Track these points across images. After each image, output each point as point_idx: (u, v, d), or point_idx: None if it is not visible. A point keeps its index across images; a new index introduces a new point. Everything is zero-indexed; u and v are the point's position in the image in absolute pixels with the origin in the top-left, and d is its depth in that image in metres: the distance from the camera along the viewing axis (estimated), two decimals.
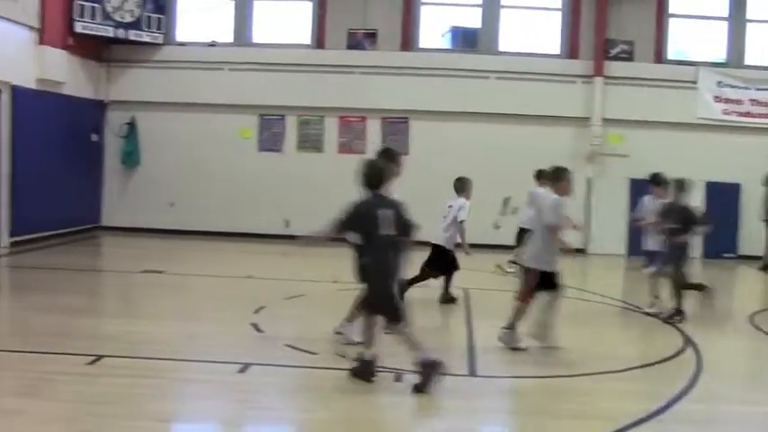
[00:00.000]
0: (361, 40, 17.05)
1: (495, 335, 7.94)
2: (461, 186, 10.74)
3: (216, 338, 8.04)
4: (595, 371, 7.20)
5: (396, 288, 6.48)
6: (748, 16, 17.12)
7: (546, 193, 8.36)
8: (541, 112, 16.67)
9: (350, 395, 6.20)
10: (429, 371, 6.21)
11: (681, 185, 9.96)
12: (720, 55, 17.31)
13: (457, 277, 10.53)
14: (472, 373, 7.14)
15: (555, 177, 8.17)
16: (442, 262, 10.36)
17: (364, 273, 6.53)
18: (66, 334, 7.84)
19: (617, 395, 6.65)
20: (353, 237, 6.62)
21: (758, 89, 16.76)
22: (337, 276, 10.42)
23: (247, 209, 16.91)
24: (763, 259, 15.39)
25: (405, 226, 6.60)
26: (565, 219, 8.13)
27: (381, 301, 6.47)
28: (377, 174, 6.64)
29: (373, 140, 16.95)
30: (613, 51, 16.94)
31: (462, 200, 10.53)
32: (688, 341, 8.49)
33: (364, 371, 6.48)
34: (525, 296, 7.93)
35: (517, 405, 6.58)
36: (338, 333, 7.84)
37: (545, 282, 7.89)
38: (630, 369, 7.40)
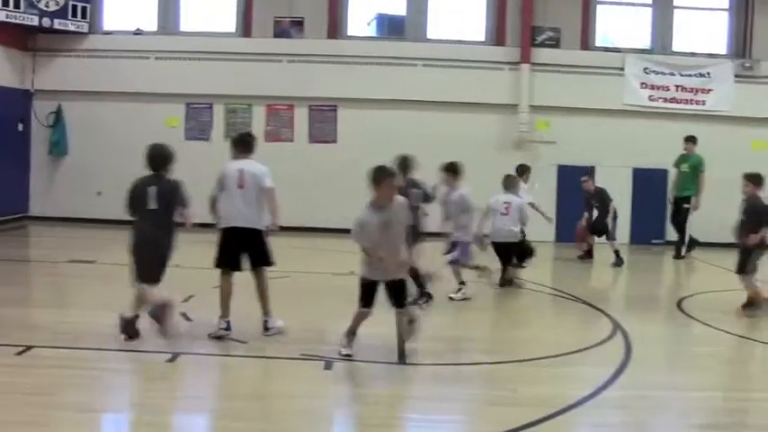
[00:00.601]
0: (288, 27, 17.02)
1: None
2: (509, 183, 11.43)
3: (145, 328, 8.01)
4: (526, 357, 7.35)
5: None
6: (674, 3, 17.25)
7: None
8: (469, 99, 16.72)
9: (279, 383, 6.23)
10: (162, 314, 7.14)
11: (403, 163, 9.51)
12: (646, 42, 17.43)
13: None
14: (402, 361, 7.11)
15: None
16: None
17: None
18: None
19: (548, 381, 6.71)
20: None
21: (684, 75, 16.90)
22: None
23: None
24: (676, 246, 15.46)
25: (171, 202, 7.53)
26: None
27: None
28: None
29: (301, 128, 17.01)
30: (540, 38, 17.02)
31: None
32: (617, 327, 8.64)
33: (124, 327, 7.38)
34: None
35: (450, 392, 6.55)
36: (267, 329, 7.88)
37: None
38: (561, 355, 7.43)
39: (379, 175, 7.06)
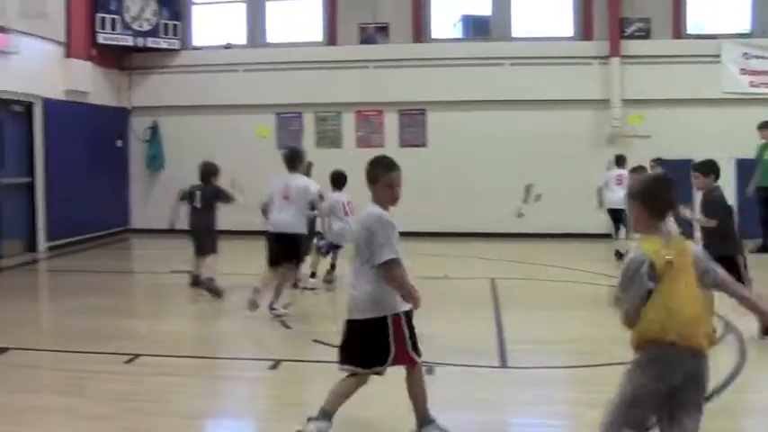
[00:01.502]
0: (373, 34, 17.10)
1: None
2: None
3: (246, 336, 8.33)
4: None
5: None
6: None
7: None
8: (559, 97, 16.41)
9: (381, 388, 6.20)
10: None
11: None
12: (745, 26, 16.74)
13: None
14: (504, 365, 7.10)
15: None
16: None
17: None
18: (102, 334, 8.15)
19: None
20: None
21: None
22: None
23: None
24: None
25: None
26: None
27: None
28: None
29: (391, 133, 17.06)
30: (629, 30, 16.57)
31: None
32: (728, 326, 8.11)
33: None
34: None
35: (547, 395, 6.36)
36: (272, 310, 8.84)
37: None
38: None
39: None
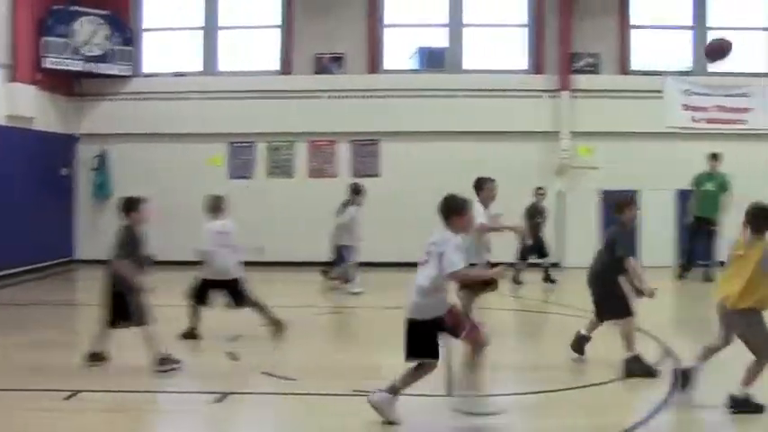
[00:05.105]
0: (328, 64, 17.16)
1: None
2: None
3: (191, 368, 8.04)
4: (582, 383, 7.33)
5: None
6: (712, 24, 17.26)
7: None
8: (510, 128, 16.77)
9: (329, 420, 6.12)
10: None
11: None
12: (685, 63, 17.43)
13: None
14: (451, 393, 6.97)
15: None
16: None
17: None
18: (42, 370, 7.84)
19: (602, 407, 6.70)
20: None
21: (724, 95, 16.87)
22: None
23: None
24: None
25: None
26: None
27: None
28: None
29: (343, 164, 17.09)
30: (579, 64, 17.07)
31: None
32: (666, 350, 8.50)
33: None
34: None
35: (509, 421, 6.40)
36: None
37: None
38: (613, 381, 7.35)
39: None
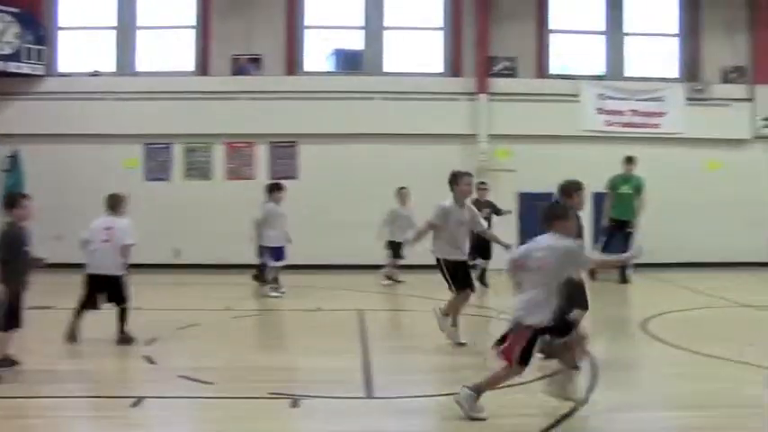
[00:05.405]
0: (246, 65, 17.06)
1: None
2: None
3: (107, 372, 7.94)
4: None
5: None
6: (626, 29, 17.62)
7: None
8: (428, 131, 16.85)
9: (247, 423, 6.06)
10: None
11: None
12: (600, 68, 17.74)
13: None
14: (369, 395, 7.07)
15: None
16: None
17: None
18: None
19: (521, 408, 6.64)
20: None
21: (638, 99, 17.22)
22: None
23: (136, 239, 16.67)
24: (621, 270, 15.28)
25: None
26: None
27: None
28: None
29: (261, 166, 17.02)
30: (496, 68, 17.25)
31: None
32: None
33: None
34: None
35: (415, 424, 6.45)
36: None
37: None
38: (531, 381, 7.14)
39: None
